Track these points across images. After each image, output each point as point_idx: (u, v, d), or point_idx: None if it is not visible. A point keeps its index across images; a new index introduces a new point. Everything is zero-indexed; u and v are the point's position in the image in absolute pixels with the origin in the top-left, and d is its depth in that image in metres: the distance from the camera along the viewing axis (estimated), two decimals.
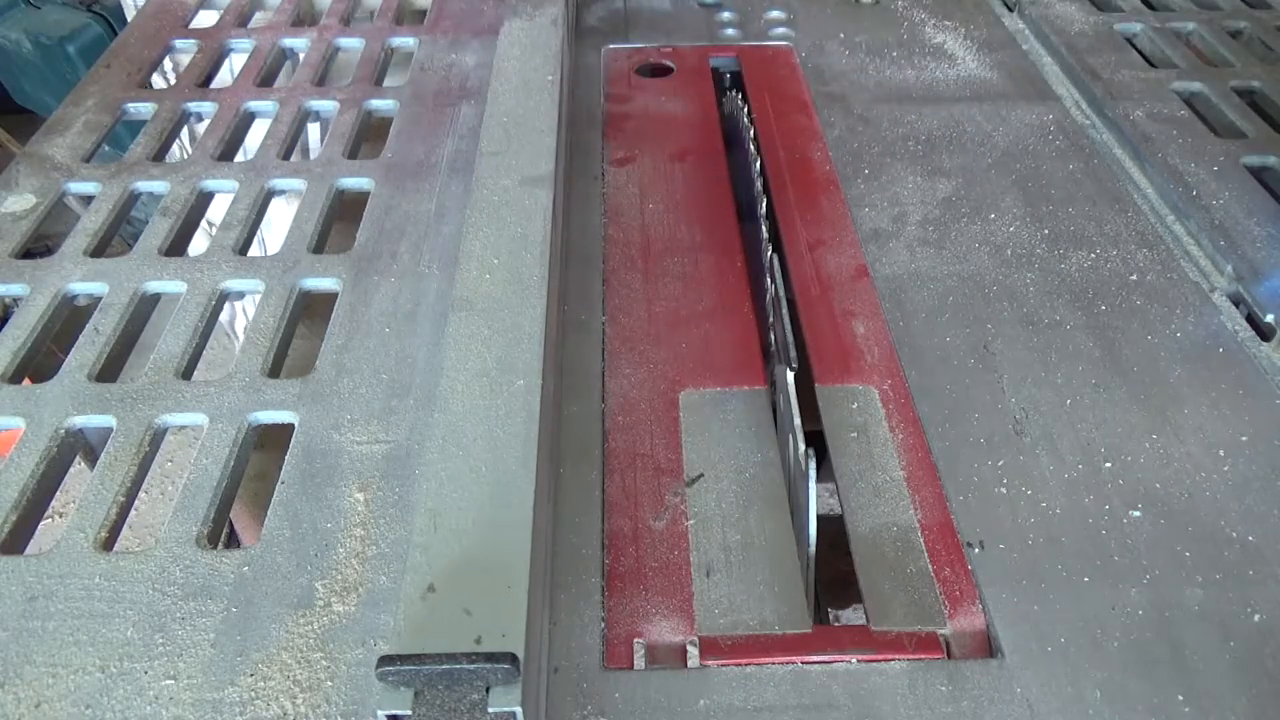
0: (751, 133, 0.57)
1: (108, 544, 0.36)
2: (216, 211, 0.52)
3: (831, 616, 0.62)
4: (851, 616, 0.46)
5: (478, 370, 0.35)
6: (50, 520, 0.64)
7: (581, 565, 0.36)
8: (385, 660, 0.26)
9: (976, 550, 0.36)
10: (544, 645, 0.32)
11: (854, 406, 0.42)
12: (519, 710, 0.26)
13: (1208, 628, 0.34)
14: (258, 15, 0.70)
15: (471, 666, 0.26)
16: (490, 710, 0.26)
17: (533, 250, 0.40)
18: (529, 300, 0.38)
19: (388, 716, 0.26)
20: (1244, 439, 0.40)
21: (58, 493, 0.40)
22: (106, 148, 0.58)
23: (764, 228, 0.47)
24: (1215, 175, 0.55)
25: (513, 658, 0.26)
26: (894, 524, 0.37)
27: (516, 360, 0.35)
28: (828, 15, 0.73)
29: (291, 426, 0.41)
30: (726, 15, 0.73)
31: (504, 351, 0.36)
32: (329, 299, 0.47)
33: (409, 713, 0.26)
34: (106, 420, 0.40)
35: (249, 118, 0.60)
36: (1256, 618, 0.34)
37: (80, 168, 0.55)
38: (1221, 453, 0.40)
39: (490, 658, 0.26)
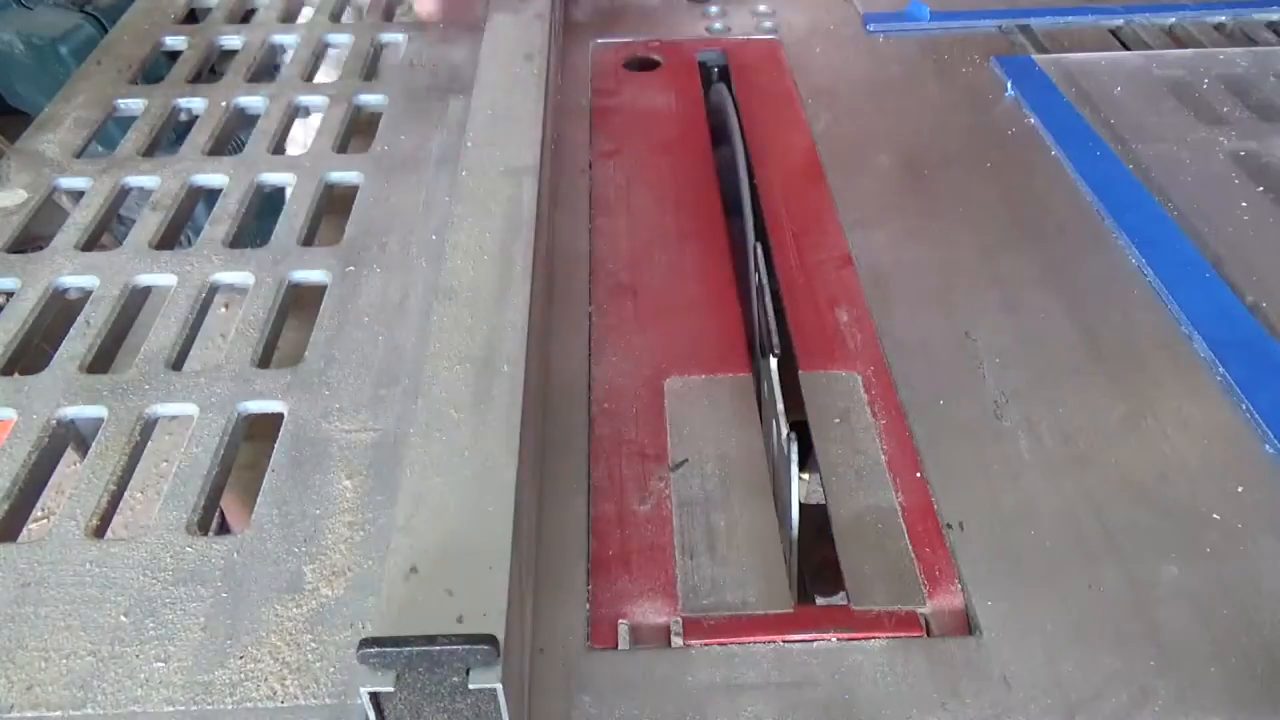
0: (737, 125, 0.58)
1: (99, 531, 0.36)
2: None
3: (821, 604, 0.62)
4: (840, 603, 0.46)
5: (461, 357, 0.35)
6: (45, 521, 0.64)
7: (567, 548, 0.36)
8: (367, 642, 0.26)
9: (956, 531, 0.37)
10: (527, 625, 0.33)
11: (837, 392, 0.43)
12: (499, 687, 0.26)
13: (1182, 604, 0.34)
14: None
15: (451, 648, 0.26)
16: (471, 688, 0.26)
17: (517, 240, 0.40)
18: (513, 288, 0.38)
19: (370, 694, 0.26)
20: (1220, 421, 0.41)
21: (51, 492, 0.40)
22: (100, 148, 0.59)
23: (749, 218, 0.48)
24: (1197, 162, 0.55)
25: (492, 639, 0.26)
26: (876, 506, 0.38)
27: (500, 347, 0.36)
28: (815, 8, 0.74)
29: (281, 415, 0.41)
30: (714, 10, 0.74)
31: (488, 339, 0.36)
32: (318, 291, 0.48)
33: (391, 689, 0.26)
34: (98, 410, 0.41)
35: (239, 113, 0.60)
36: (1230, 594, 0.34)
37: (71, 163, 0.55)
38: (1198, 435, 0.40)
39: (470, 639, 0.26)
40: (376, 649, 0.26)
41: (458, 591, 0.28)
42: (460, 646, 0.26)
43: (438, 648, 0.26)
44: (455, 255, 0.40)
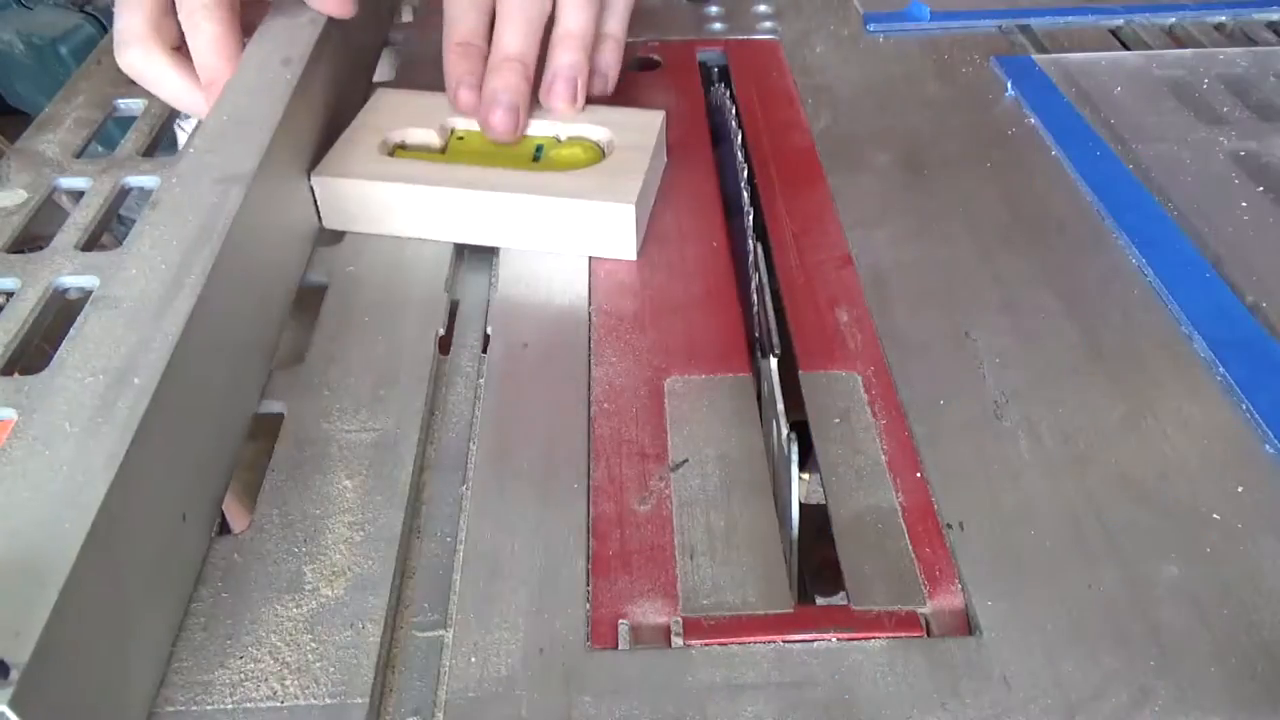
0: (737, 125, 0.58)
1: None
2: None
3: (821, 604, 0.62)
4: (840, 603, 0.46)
5: (97, 369, 0.33)
6: None
7: (567, 548, 0.36)
8: None
9: (956, 531, 0.37)
10: (138, 655, 0.31)
11: (837, 392, 0.43)
12: (5, 709, 0.24)
13: (1182, 604, 0.34)
14: None
15: None
16: None
17: (204, 249, 0.38)
18: (180, 299, 0.36)
19: None
20: (1220, 421, 0.41)
21: None
22: (100, 148, 0.59)
23: (749, 218, 0.48)
24: (1197, 162, 0.55)
25: None
26: (876, 506, 0.38)
27: (142, 360, 0.33)
28: (815, 8, 0.74)
29: (281, 416, 0.41)
30: (714, 10, 0.74)
31: (132, 350, 0.33)
32: (318, 292, 0.48)
33: None
34: None
35: None
36: (1230, 594, 0.34)
37: (71, 163, 0.55)
38: (1198, 435, 0.40)
39: None
40: None
41: None
42: None
43: None
44: (131, 264, 0.37)
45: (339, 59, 0.55)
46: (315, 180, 0.49)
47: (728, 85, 0.64)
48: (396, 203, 0.49)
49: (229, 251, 0.39)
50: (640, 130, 0.53)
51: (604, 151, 0.53)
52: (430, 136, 0.53)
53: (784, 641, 0.33)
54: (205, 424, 0.37)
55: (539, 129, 0.54)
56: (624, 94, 0.64)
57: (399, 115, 0.53)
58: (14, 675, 0.24)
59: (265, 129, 0.44)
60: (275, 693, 0.32)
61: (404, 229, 0.50)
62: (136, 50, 0.49)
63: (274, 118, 0.45)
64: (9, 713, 0.24)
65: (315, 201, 0.50)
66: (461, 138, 0.54)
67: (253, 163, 0.42)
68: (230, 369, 0.40)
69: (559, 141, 0.54)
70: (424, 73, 0.60)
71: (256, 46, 0.50)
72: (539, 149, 0.53)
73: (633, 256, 0.50)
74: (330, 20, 0.53)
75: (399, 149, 0.53)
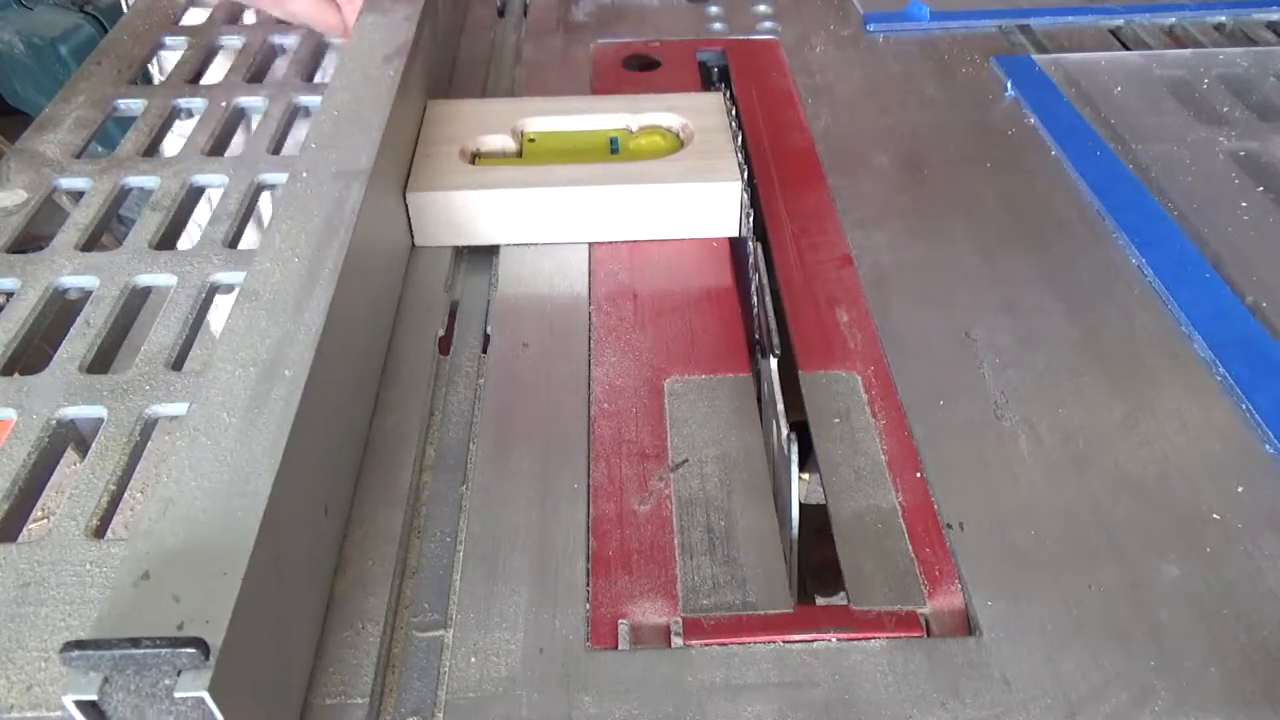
0: (737, 125, 0.58)
1: (99, 531, 0.36)
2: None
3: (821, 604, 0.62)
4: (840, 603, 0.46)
5: (247, 360, 0.34)
6: (45, 521, 0.64)
7: (567, 548, 0.36)
8: (70, 645, 0.25)
9: (956, 531, 0.37)
10: (301, 636, 0.32)
11: (837, 392, 0.43)
12: (205, 695, 0.24)
13: (1182, 604, 0.34)
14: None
15: (156, 651, 0.24)
16: (176, 695, 0.24)
17: (332, 243, 0.38)
18: (317, 292, 0.36)
19: (76, 702, 0.25)
20: (1220, 421, 0.41)
21: (51, 492, 0.40)
22: (100, 148, 0.59)
23: (749, 219, 0.48)
24: (1197, 162, 0.55)
25: (198, 642, 0.24)
26: (876, 507, 0.38)
27: (289, 351, 0.34)
28: (815, 8, 0.74)
29: None
30: (714, 10, 0.74)
31: (279, 343, 0.34)
32: None
33: (95, 697, 0.25)
34: (98, 410, 0.41)
35: (239, 113, 0.60)
36: (1230, 594, 0.34)
37: (71, 163, 0.55)
38: (1198, 435, 0.40)
39: (174, 642, 0.24)
40: (79, 652, 0.24)
41: (185, 598, 0.26)
42: (165, 649, 0.24)
43: (142, 650, 0.24)
44: (265, 258, 0.38)
45: (429, 59, 0.56)
46: (410, 198, 0.48)
47: (728, 85, 0.64)
48: (497, 210, 0.49)
49: (354, 247, 0.39)
50: (710, 112, 0.53)
51: (681, 136, 0.53)
52: (506, 142, 0.52)
53: (784, 641, 0.33)
54: (342, 419, 0.38)
55: (609, 122, 0.54)
56: (623, 92, 0.64)
57: (467, 125, 0.53)
58: (212, 659, 0.25)
59: (376, 126, 0.45)
60: None
61: (497, 235, 0.50)
62: None
63: (382, 115, 0.46)
64: (207, 699, 0.24)
65: (409, 221, 0.49)
66: (533, 139, 0.53)
67: (369, 159, 0.43)
68: (357, 367, 0.40)
69: (632, 133, 0.54)
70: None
71: (355, 45, 0.51)
72: (613, 141, 0.53)
73: (735, 233, 0.50)
74: (423, 16, 0.53)
75: (477, 158, 0.52)
